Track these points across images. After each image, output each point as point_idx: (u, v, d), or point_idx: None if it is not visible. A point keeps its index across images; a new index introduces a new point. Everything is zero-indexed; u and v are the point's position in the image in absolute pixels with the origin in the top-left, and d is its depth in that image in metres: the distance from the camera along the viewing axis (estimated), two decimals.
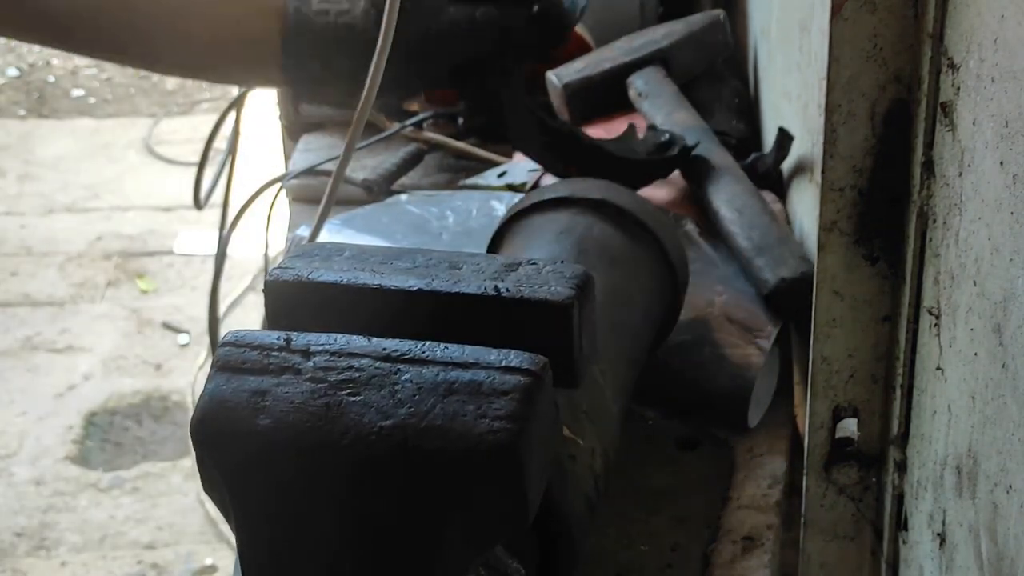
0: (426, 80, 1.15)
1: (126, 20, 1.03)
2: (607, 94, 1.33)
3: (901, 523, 0.80)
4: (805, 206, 1.14)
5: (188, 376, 2.62)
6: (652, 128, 1.21)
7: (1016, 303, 0.57)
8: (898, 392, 0.78)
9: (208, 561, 2.28)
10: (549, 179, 1.23)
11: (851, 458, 0.82)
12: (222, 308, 2.25)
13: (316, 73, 1.10)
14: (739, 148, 1.27)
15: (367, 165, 1.35)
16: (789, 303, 1.04)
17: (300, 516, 0.64)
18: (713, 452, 0.99)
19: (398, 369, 0.64)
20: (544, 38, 1.15)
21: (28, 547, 2.30)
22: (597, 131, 1.35)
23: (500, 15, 1.12)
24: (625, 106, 1.32)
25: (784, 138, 1.20)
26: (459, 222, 1.20)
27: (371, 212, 1.22)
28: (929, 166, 0.71)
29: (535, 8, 1.13)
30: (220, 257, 1.38)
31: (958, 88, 0.66)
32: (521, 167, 1.29)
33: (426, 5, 1.07)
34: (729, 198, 1.14)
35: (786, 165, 1.23)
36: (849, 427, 0.81)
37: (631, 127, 1.22)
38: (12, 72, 3.86)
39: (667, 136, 1.19)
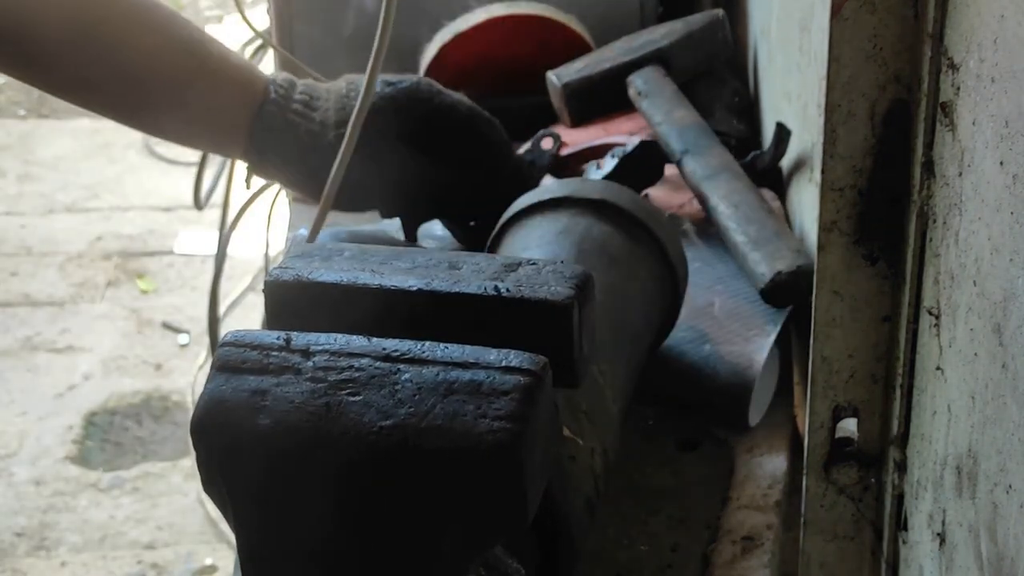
0: (396, 214, 1.17)
1: (107, 71, 1.04)
2: (607, 94, 1.33)
3: (901, 523, 0.80)
4: (805, 206, 1.15)
5: (188, 376, 2.62)
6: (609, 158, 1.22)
7: (1016, 303, 0.57)
8: (898, 392, 0.78)
9: (208, 561, 2.28)
10: (549, 179, 1.23)
11: (851, 458, 0.82)
12: (222, 308, 2.25)
13: (275, 174, 1.12)
14: (739, 148, 1.27)
15: None
16: (786, 296, 1.04)
17: (300, 516, 0.64)
18: (713, 452, 0.99)
19: (398, 369, 0.64)
20: (513, 193, 1.17)
21: (28, 547, 2.30)
22: (597, 131, 1.35)
23: (459, 179, 1.13)
24: (625, 105, 1.32)
25: (782, 132, 1.20)
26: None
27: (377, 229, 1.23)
28: (929, 166, 0.71)
29: (501, 173, 1.15)
30: (220, 257, 1.38)
31: (958, 88, 0.66)
32: None
33: (385, 153, 1.08)
34: (726, 194, 1.14)
35: (786, 164, 1.23)
36: (849, 427, 0.81)
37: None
38: None
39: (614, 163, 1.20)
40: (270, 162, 1.09)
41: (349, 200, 1.10)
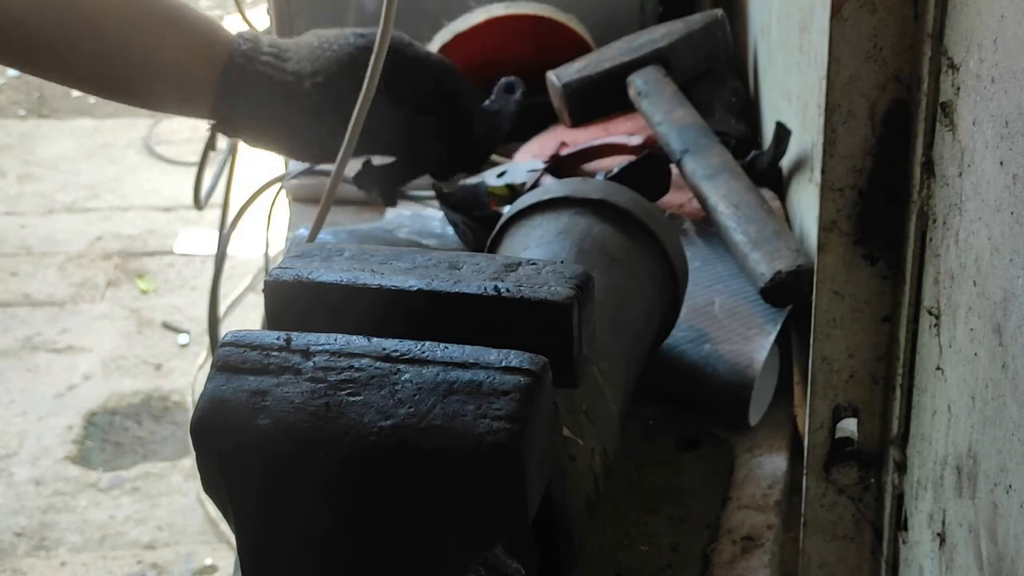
0: (372, 179, 1.18)
1: (74, 32, 1.04)
2: (607, 93, 1.33)
3: (901, 523, 0.80)
4: (805, 206, 1.15)
5: (188, 376, 2.62)
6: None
7: (1016, 303, 0.57)
8: (898, 392, 0.78)
9: (208, 561, 2.28)
10: (549, 179, 1.23)
11: (851, 458, 0.82)
12: (222, 308, 2.24)
13: (244, 129, 1.11)
14: (739, 148, 1.27)
15: None
16: (786, 296, 1.04)
17: (300, 516, 0.64)
18: (713, 452, 0.99)
19: (398, 369, 0.64)
20: (483, 141, 1.19)
21: (28, 547, 2.30)
22: (597, 131, 1.35)
23: (434, 127, 1.15)
24: (625, 105, 1.32)
25: (782, 132, 1.20)
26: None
27: (372, 230, 1.23)
28: (929, 166, 0.71)
29: (472, 121, 1.18)
30: (220, 257, 1.38)
31: (958, 88, 0.66)
32: (520, 167, 1.29)
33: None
34: (726, 194, 1.14)
35: (786, 164, 1.23)
36: (849, 427, 0.81)
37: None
38: (12, 72, 3.86)
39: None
40: (241, 115, 1.08)
41: (329, 153, 1.11)
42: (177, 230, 3.15)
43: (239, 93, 1.07)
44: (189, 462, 2.43)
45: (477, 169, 1.18)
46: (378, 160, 1.19)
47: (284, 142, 1.11)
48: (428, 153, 1.17)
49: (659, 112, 1.27)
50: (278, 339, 0.66)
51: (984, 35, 0.61)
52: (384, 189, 1.19)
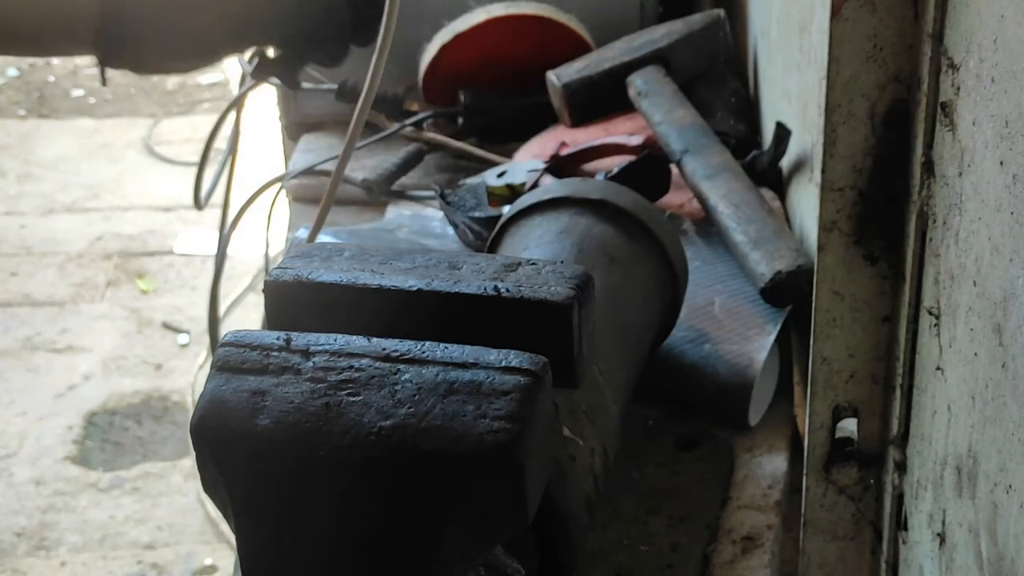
0: (256, 42, 1.17)
1: None
2: (607, 93, 1.33)
3: (901, 523, 0.80)
4: (805, 206, 1.15)
5: (188, 376, 2.62)
6: None
7: (1016, 303, 0.57)
8: (898, 392, 0.78)
9: (208, 561, 2.28)
10: (549, 179, 1.23)
11: (851, 458, 0.82)
12: (222, 308, 2.24)
13: (133, 46, 1.08)
14: (739, 148, 1.27)
15: (367, 165, 1.35)
16: (786, 296, 1.04)
17: (300, 516, 0.64)
18: (713, 452, 0.99)
19: (398, 369, 0.64)
20: (374, 18, 1.17)
21: (28, 547, 2.29)
22: (597, 131, 1.35)
23: (319, 6, 1.14)
24: (625, 105, 1.32)
25: (782, 132, 1.20)
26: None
27: (370, 232, 1.23)
28: (929, 166, 0.71)
29: None
30: (220, 257, 1.38)
31: (958, 88, 0.66)
32: (520, 167, 1.29)
33: None
34: (726, 194, 1.14)
35: (786, 164, 1.23)
36: (849, 427, 0.81)
37: None
38: (12, 72, 3.86)
39: None
40: (128, 25, 1.06)
41: (235, 43, 1.10)
42: (177, 230, 3.15)
43: (124, 2, 1.05)
44: (189, 462, 2.43)
45: (366, 44, 1.16)
46: (272, 53, 1.18)
47: (182, 47, 1.09)
48: (317, 35, 1.16)
49: (659, 112, 1.27)
50: (278, 339, 0.66)
51: (984, 35, 0.61)
52: (284, 78, 1.18)
